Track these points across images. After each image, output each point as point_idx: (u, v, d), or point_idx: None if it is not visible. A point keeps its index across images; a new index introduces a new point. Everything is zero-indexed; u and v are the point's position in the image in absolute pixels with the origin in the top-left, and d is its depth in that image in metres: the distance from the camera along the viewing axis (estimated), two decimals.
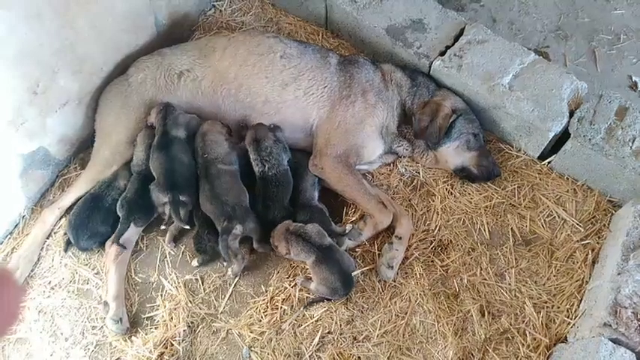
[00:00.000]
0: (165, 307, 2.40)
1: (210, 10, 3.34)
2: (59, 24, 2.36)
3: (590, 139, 2.54)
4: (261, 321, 2.36)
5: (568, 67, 3.14)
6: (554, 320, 2.35)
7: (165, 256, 2.55)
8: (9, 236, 2.60)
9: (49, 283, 2.48)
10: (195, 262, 2.47)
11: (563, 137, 2.65)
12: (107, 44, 2.70)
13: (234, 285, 2.47)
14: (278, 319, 2.36)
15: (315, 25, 3.23)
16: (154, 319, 2.39)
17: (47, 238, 2.57)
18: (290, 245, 2.31)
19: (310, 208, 2.51)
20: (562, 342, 2.29)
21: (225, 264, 2.45)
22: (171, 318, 2.36)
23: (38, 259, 2.52)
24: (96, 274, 2.50)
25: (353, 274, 2.36)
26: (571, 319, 2.33)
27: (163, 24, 3.02)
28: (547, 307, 2.39)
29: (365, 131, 2.63)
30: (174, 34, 3.07)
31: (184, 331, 2.34)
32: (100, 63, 2.71)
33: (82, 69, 2.60)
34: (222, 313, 2.40)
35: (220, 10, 3.32)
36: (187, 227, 2.47)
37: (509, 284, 2.45)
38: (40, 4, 2.22)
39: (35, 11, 2.21)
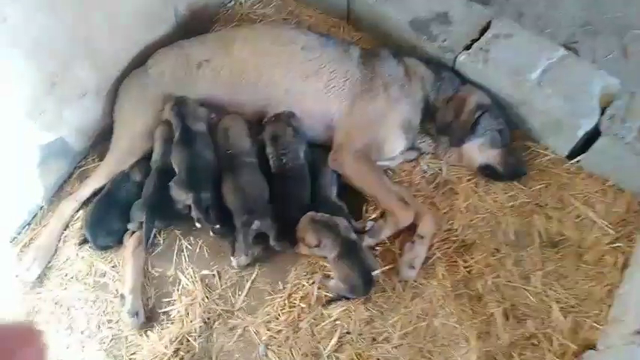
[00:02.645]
0: (181, 302, 2.36)
1: (230, 2, 3.29)
2: (76, 15, 2.33)
3: (622, 138, 2.44)
4: (278, 319, 2.31)
5: (598, 64, 3.03)
6: (582, 326, 2.26)
7: (182, 250, 2.51)
8: (27, 227, 2.59)
9: (66, 275, 2.46)
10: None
11: (593, 135, 2.56)
12: (125, 36, 2.67)
13: (252, 281, 2.43)
14: (295, 317, 2.30)
15: (337, 18, 3.18)
16: (170, 314, 2.36)
17: (65, 230, 2.56)
18: (320, 236, 2.26)
19: (329, 204, 2.47)
20: (591, 349, 2.19)
21: (232, 257, 2.40)
22: (188, 313, 2.33)
23: (56, 251, 2.51)
24: (113, 267, 2.48)
25: (373, 273, 2.30)
26: (600, 325, 2.24)
27: (183, 15, 2.98)
28: (575, 311, 2.30)
29: (387, 126, 2.57)
30: (194, 26, 3.02)
31: (200, 327, 2.29)
32: (117, 55, 2.68)
33: (99, 61, 2.58)
34: (239, 309, 2.36)
35: (240, 3, 3.28)
36: (218, 226, 2.41)
37: (535, 287, 2.35)
38: None
39: (49, 2, 2.18)
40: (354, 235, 2.32)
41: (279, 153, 2.47)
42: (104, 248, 2.49)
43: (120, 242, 2.48)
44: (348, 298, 2.33)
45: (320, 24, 3.17)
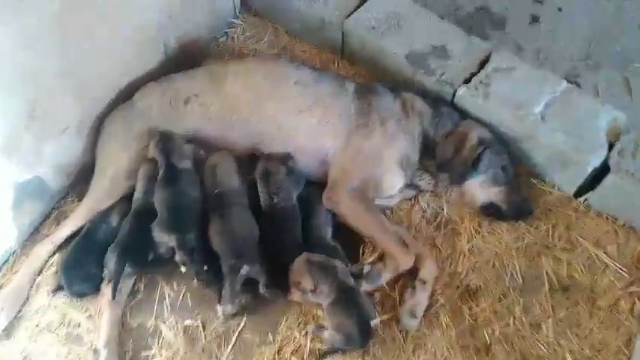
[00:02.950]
0: (161, 356, 2.19)
1: (222, 37, 3.23)
2: (61, 47, 2.23)
3: (632, 174, 2.34)
4: None
5: (601, 98, 2.94)
6: None
7: (165, 298, 2.35)
8: None
9: (37, 325, 2.27)
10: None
11: (601, 172, 2.45)
12: (113, 69, 2.58)
13: (239, 332, 2.26)
14: None
15: (331, 53, 3.12)
16: None
17: (38, 276, 2.39)
18: (318, 280, 2.12)
19: (323, 246, 2.33)
20: None
21: (218, 305, 2.24)
22: None
23: (27, 299, 2.34)
24: (88, 317, 2.30)
25: (372, 323, 2.14)
26: None
27: (173, 49, 2.91)
28: None
29: (384, 162, 2.47)
30: (185, 60, 2.93)
31: None
32: (103, 88, 2.58)
33: (84, 94, 2.47)
34: None
35: (233, 38, 3.22)
36: (205, 268, 2.25)
37: (547, 336, 2.22)
38: (41, 24, 2.10)
39: (35, 32, 2.09)
40: (351, 280, 2.18)
41: (270, 191, 2.35)
42: (80, 295, 2.31)
43: (98, 289, 2.30)
44: (344, 351, 2.16)
45: (314, 59, 3.11)
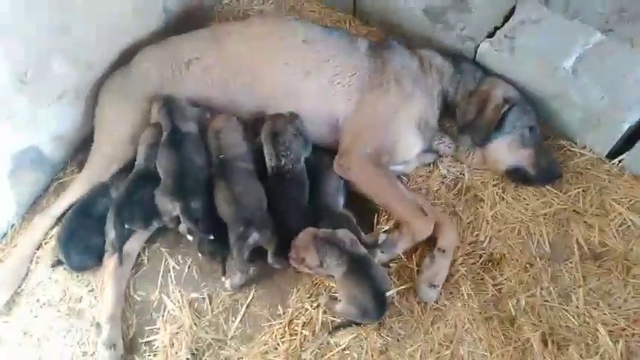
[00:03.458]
0: (166, 330, 2.13)
1: None
2: (53, 4, 2.11)
3: None
4: (277, 349, 2.08)
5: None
6: (635, 352, 2.02)
7: (169, 271, 2.28)
8: None
9: (37, 300, 2.22)
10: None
11: (637, 131, 2.32)
12: (109, 31, 2.45)
13: (247, 305, 2.19)
14: (297, 346, 2.08)
15: (342, 12, 3.02)
16: (153, 345, 2.12)
17: (37, 250, 2.32)
18: (323, 255, 2.03)
19: (335, 215, 2.24)
20: None
21: (224, 277, 2.18)
22: (173, 344, 2.09)
23: (26, 274, 2.28)
24: (90, 291, 2.24)
25: (387, 294, 2.05)
26: None
27: (174, 11, 2.77)
28: (626, 335, 2.05)
29: (400, 125, 2.34)
30: (186, 23, 2.80)
31: (188, 359, 2.07)
32: (100, 51, 2.46)
33: (79, 57, 2.35)
34: (232, 338, 2.13)
35: None
36: (211, 237, 2.16)
37: (577, 307, 2.13)
38: None
39: None
40: (362, 250, 2.08)
41: (278, 152, 2.24)
42: (80, 268, 2.23)
43: (99, 261, 2.22)
44: (358, 324, 2.09)
45: (324, 19, 3.00)
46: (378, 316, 2.05)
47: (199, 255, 2.22)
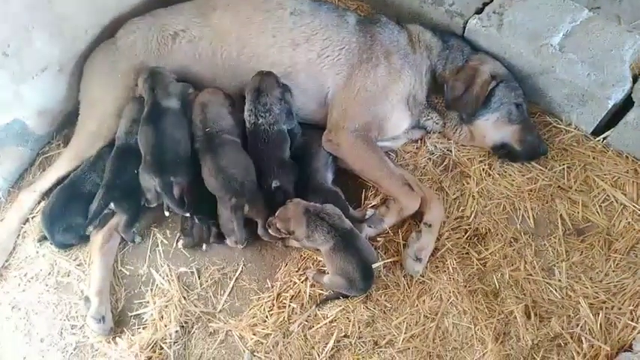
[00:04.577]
0: (155, 303, 2.16)
1: None
2: None
3: None
4: (265, 321, 2.11)
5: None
6: (615, 324, 2.06)
7: (157, 246, 2.30)
8: None
9: (25, 275, 2.24)
10: (180, 244, 2.24)
11: (622, 108, 2.32)
12: (92, 2, 2.39)
13: (236, 279, 2.21)
14: (286, 319, 2.11)
15: None
16: (142, 318, 2.16)
17: (24, 224, 2.32)
18: (313, 230, 2.03)
19: (323, 191, 2.25)
20: (626, 350, 2.01)
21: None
22: (162, 317, 2.12)
23: (13, 248, 2.28)
24: (78, 265, 2.26)
25: (374, 266, 2.08)
26: (636, 322, 2.05)
27: None
28: (606, 308, 2.10)
29: (388, 100, 2.33)
30: None
31: (176, 332, 2.10)
32: (83, 24, 2.41)
33: (62, 30, 2.31)
34: (220, 311, 2.17)
35: None
36: (187, 215, 2.18)
37: (560, 281, 2.17)
38: None
39: None
40: (348, 223, 2.10)
41: (257, 110, 2.22)
42: (64, 246, 2.23)
43: (82, 239, 2.23)
44: (345, 296, 2.12)
45: None
46: (366, 287, 2.08)
47: (181, 239, 2.24)
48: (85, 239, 2.22)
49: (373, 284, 2.11)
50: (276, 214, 2.06)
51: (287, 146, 2.24)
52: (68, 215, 2.19)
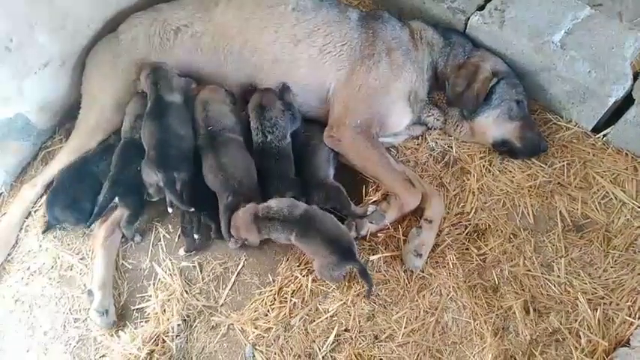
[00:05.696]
0: (157, 297, 2.16)
1: None
2: None
3: None
4: (267, 315, 2.12)
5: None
6: (612, 319, 2.08)
7: (160, 240, 2.30)
8: None
9: (28, 268, 2.24)
10: (181, 251, 2.23)
11: (622, 105, 2.33)
12: None
13: (238, 273, 2.21)
14: (287, 313, 2.12)
15: None
16: (145, 312, 2.16)
17: (26, 218, 2.33)
18: (268, 232, 2.06)
19: (325, 186, 2.25)
20: (624, 345, 2.01)
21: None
22: (164, 310, 2.13)
23: (16, 242, 2.29)
24: (81, 259, 2.26)
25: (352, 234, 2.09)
26: (634, 318, 2.06)
27: None
28: (604, 303, 2.11)
29: (390, 97, 2.34)
30: None
31: (179, 325, 2.11)
32: (85, 19, 2.41)
33: (64, 25, 2.31)
34: (222, 305, 2.17)
35: None
36: (192, 209, 2.17)
37: (559, 276, 2.18)
38: None
39: None
40: (300, 208, 2.06)
41: (264, 128, 2.23)
42: (56, 220, 2.22)
43: (78, 222, 2.22)
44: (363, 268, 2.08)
45: None
46: (349, 257, 2.03)
47: (182, 247, 2.24)
48: (80, 222, 2.20)
49: (356, 254, 2.06)
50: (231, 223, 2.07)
51: (292, 162, 2.26)
52: (71, 192, 2.18)
